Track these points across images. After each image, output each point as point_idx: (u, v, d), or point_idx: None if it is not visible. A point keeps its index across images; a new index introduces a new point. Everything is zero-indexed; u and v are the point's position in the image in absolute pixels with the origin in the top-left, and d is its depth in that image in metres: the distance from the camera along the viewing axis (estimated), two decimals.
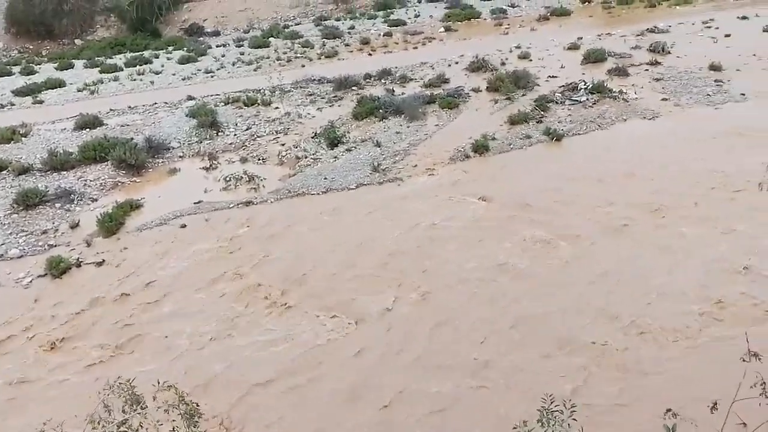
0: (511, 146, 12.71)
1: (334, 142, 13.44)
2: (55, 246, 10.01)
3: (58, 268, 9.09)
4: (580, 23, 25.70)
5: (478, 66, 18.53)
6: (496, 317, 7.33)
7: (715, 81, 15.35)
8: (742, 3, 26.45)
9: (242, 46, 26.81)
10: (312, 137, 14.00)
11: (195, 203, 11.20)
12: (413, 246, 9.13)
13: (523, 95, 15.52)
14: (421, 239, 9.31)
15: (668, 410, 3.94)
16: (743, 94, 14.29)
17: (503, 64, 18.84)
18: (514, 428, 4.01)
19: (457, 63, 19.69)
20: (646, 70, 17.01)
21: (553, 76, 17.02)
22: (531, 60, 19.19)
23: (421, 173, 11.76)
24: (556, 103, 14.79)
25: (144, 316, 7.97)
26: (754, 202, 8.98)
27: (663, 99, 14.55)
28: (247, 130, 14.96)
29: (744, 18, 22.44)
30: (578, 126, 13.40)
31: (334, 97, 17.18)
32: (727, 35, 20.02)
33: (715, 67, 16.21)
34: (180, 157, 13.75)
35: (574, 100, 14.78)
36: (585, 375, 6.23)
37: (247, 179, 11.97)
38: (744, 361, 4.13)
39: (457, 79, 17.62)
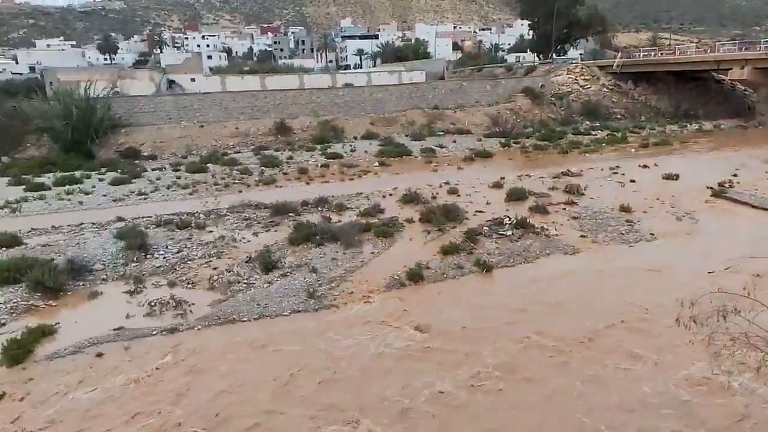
0: (445, 276, 13.01)
1: (268, 266, 13.28)
2: None
3: None
4: (502, 164, 28.02)
5: (410, 198, 19.50)
6: None
7: (627, 221, 16.77)
8: (644, 152, 30.01)
9: (179, 170, 27.03)
10: (246, 261, 13.80)
11: (114, 330, 10.47)
12: (349, 376, 8.81)
13: (454, 227, 16.27)
14: (358, 369, 9.01)
15: None
16: (652, 234, 15.62)
17: (434, 197, 19.90)
18: None
19: (390, 195, 20.63)
20: (564, 209, 18.41)
21: (480, 211, 18.05)
22: (459, 195, 20.41)
23: (358, 300, 11.70)
24: (484, 236, 15.55)
25: None
26: (674, 337, 9.45)
27: (581, 236, 15.63)
28: (178, 253, 14.58)
29: (645, 167, 25.27)
30: (506, 258, 14.02)
31: (270, 222, 17.30)
32: (632, 181, 22.33)
33: (625, 209, 17.79)
34: (103, 280, 13.07)
35: (501, 234, 15.62)
36: None
37: (174, 304, 11.43)
38: None
39: (391, 210, 18.35)
